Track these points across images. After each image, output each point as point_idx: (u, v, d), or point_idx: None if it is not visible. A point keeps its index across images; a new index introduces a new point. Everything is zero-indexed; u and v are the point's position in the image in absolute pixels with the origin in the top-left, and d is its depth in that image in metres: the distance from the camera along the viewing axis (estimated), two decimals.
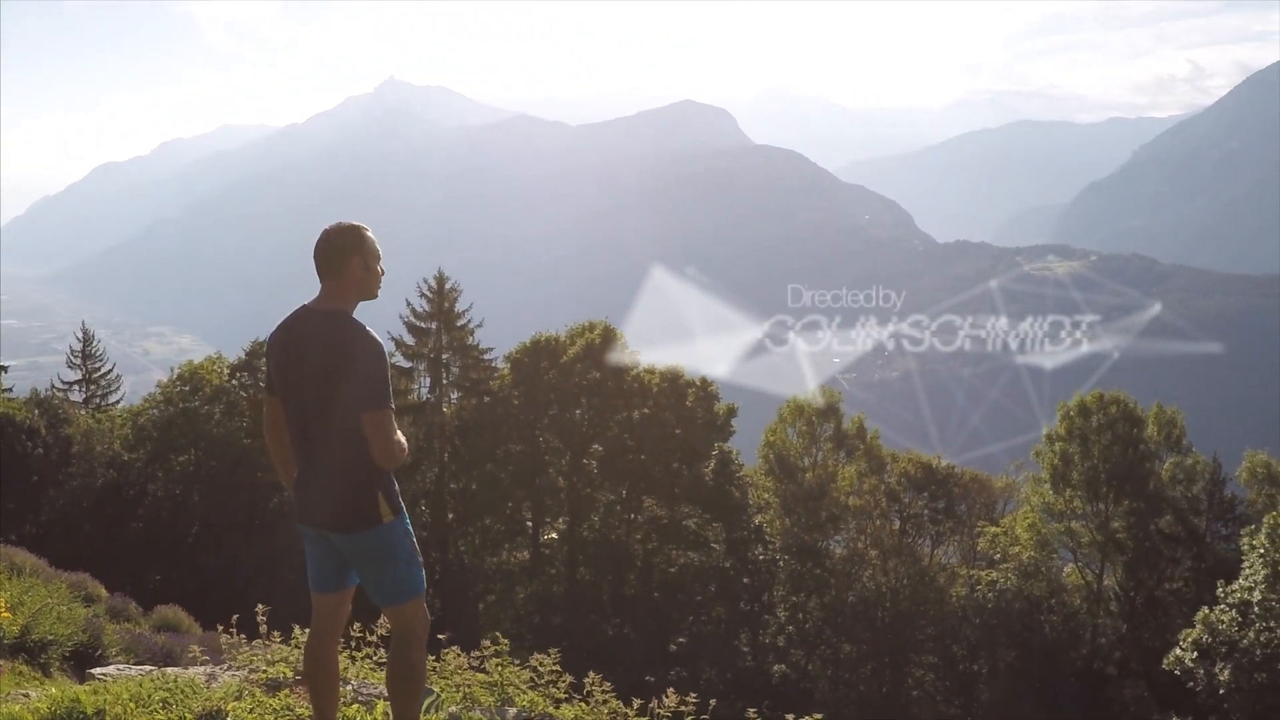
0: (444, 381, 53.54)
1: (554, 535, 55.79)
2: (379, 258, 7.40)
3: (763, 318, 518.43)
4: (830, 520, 55.64)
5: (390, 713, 7.86)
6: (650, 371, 53.73)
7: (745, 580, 53.23)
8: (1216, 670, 37.21)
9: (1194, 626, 38.95)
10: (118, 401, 59.86)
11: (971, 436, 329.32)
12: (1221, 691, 36.74)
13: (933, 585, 54.35)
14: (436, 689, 10.47)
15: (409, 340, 52.82)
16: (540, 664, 11.11)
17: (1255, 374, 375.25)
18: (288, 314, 7.37)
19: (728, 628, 52.94)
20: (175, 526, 48.96)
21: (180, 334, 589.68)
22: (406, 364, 53.31)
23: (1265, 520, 39.29)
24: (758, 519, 54.95)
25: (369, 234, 7.31)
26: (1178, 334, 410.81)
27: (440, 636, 11.46)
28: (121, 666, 11.88)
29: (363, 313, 7.36)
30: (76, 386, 59.01)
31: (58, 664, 14.83)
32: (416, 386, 54.15)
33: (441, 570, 53.01)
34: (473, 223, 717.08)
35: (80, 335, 59.88)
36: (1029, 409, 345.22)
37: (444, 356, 53.03)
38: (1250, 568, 38.48)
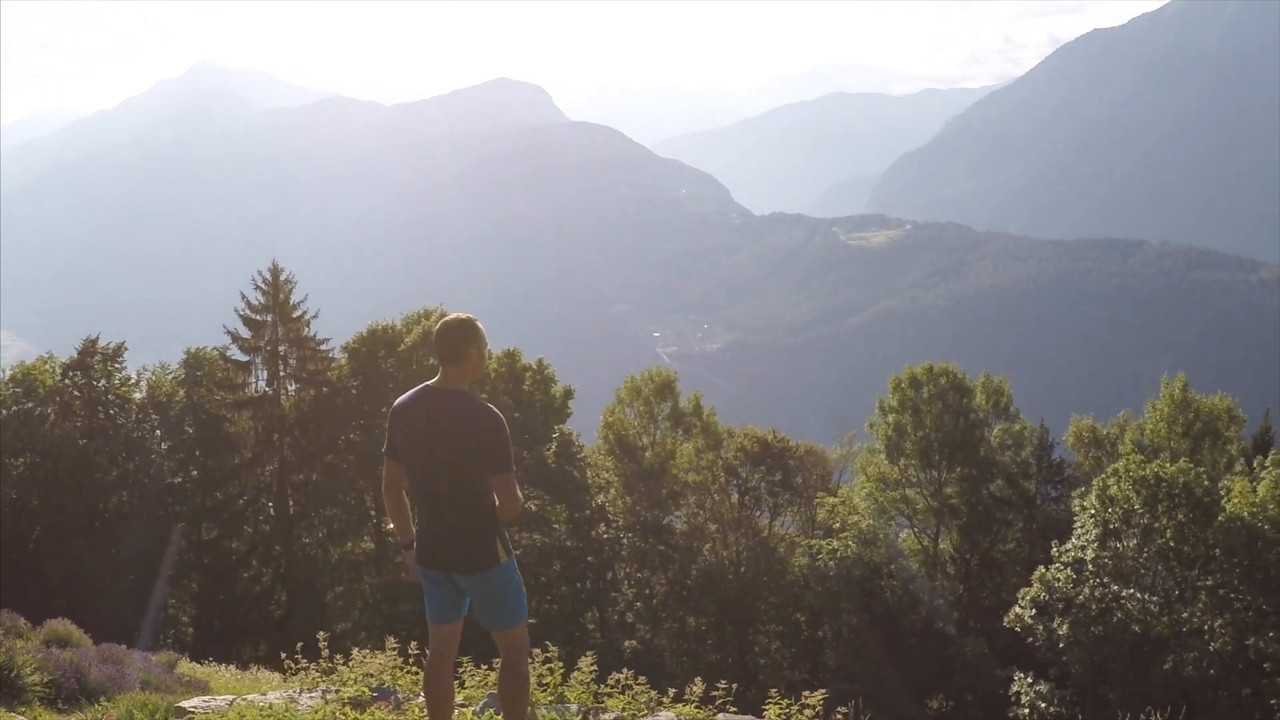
0: (281, 374, 53.02)
1: None
2: (487, 344, 8.78)
3: (579, 294, 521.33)
4: (671, 497, 56.40)
5: (504, 718, 9.09)
6: (488, 357, 53.71)
7: (590, 559, 53.62)
8: (1055, 625, 38.57)
9: (1031, 585, 40.27)
10: None
11: (793, 406, 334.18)
12: (1061, 645, 38.08)
13: (774, 556, 55.28)
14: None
15: (244, 333, 52.13)
16: (583, 666, 12.15)
17: (1071, 337, 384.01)
18: (408, 393, 8.68)
19: (574, 606, 53.32)
20: (15, 532, 47.77)
21: None
22: (243, 358, 52.70)
23: (1094, 483, 40.86)
24: (599, 498, 55.36)
25: (480, 324, 8.70)
26: (993, 299, 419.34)
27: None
28: (206, 699, 12.11)
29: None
30: None
31: None
32: (254, 380, 53.59)
33: (287, 564, 52.67)
34: (291, 207, 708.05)
35: None
36: (851, 375, 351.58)
37: (281, 349, 52.49)
38: (1082, 527, 39.92)
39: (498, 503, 8.51)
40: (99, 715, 11.30)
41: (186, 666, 23.57)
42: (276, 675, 26.27)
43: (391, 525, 9.17)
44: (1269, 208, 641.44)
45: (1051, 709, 38.76)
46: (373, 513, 54.68)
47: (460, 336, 8.52)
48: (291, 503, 53.47)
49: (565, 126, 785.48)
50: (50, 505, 47.96)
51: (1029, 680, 40.12)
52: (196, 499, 53.02)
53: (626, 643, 52.55)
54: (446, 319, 8.66)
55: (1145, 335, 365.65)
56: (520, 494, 8.57)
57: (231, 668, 28.73)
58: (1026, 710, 39.44)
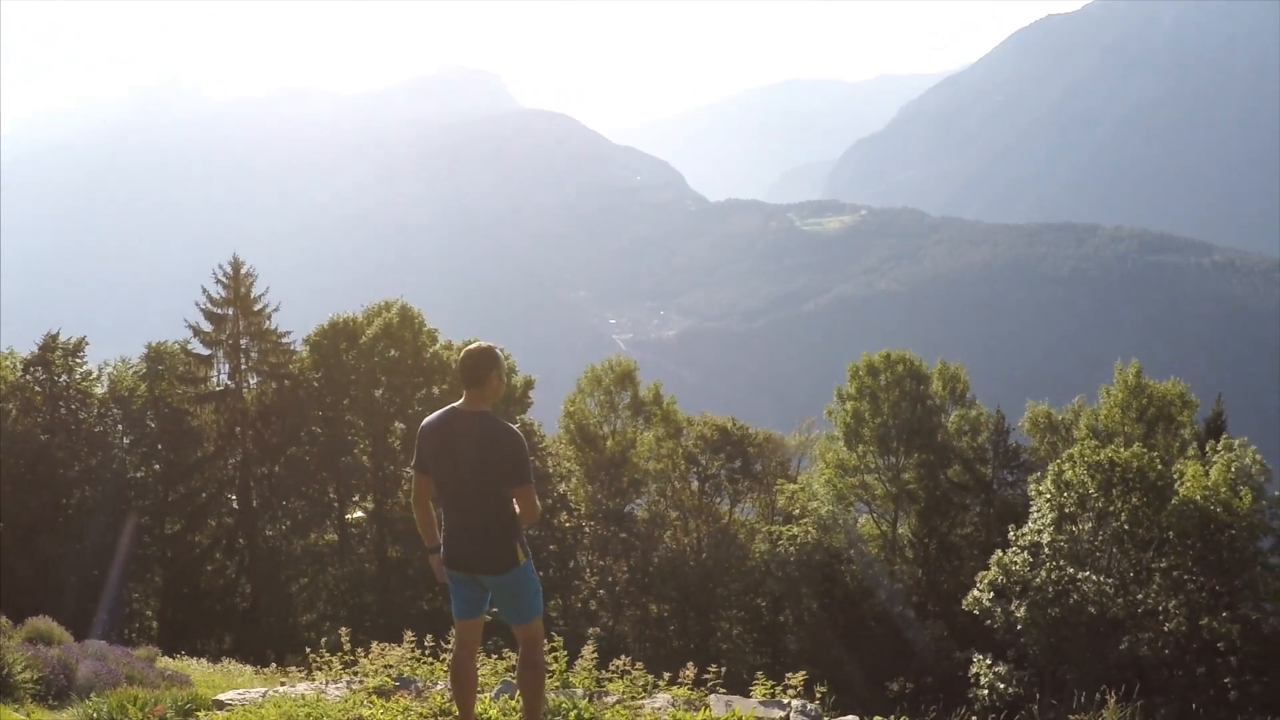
0: (243, 367, 53.11)
1: (361, 515, 55.98)
2: (506, 369, 9.73)
3: (536, 282, 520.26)
4: (632, 485, 56.81)
5: (523, 703, 9.97)
6: (448, 347, 54.12)
7: (552, 547, 53.99)
8: (1013, 608, 39.17)
9: (989, 568, 40.81)
10: None
11: (750, 393, 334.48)
12: (1018, 627, 38.69)
13: (734, 542, 55.72)
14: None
15: (206, 327, 52.20)
16: (585, 654, 13.16)
17: (1027, 321, 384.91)
18: (436, 413, 9.65)
19: None
20: None
21: None
22: (205, 351, 52.75)
23: (1050, 468, 41.43)
24: (561, 487, 55.75)
25: (499, 351, 9.76)
26: (949, 283, 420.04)
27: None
28: (241, 692, 12.67)
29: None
30: None
31: None
32: (216, 374, 53.65)
33: (251, 557, 52.80)
34: (249, 199, 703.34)
35: None
36: (808, 360, 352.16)
37: (242, 342, 52.58)
38: (1039, 512, 40.50)
39: (518, 510, 9.36)
40: (147, 709, 11.62)
41: (163, 661, 23.81)
42: (248, 668, 26.61)
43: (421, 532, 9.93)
44: (1221, 192, 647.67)
45: (1010, 689, 39.38)
46: (335, 505, 54.90)
47: (482, 363, 9.46)
48: (254, 496, 53.60)
49: (520, 114, 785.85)
50: (14, 502, 47.62)
51: (988, 661, 40.77)
52: (159, 493, 53.02)
53: (590, 630, 52.83)
54: (469, 348, 9.59)
55: (1100, 319, 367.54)
56: (538, 502, 9.41)
57: (203, 661, 29.01)
58: (985, 691, 40.04)
